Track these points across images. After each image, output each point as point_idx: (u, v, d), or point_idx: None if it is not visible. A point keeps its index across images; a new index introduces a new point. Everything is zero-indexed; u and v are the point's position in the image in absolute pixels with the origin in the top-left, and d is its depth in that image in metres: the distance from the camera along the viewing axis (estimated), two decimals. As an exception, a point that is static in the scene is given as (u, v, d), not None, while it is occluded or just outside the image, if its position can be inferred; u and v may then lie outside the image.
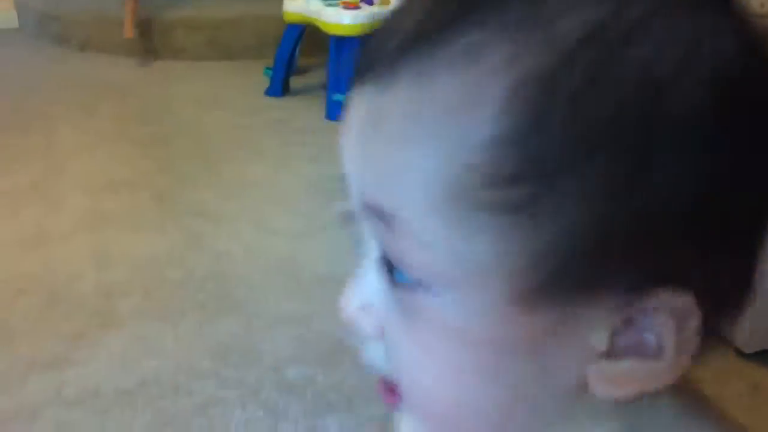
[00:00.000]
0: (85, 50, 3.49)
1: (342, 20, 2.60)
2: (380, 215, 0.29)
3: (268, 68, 3.01)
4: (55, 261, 1.76)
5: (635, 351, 0.28)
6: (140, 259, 1.77)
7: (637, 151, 0.25)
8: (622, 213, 0.26)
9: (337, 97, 2.69)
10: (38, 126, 2.59)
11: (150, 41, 3.42)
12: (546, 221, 0.26)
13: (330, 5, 2.66)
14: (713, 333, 0.29)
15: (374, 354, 0.33)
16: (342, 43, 2.64)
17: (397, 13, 0.31)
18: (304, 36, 2.92)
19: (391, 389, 0.32)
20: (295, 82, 3.03)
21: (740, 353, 1.39)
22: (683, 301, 0.27)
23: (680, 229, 0.27)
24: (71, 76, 3.16)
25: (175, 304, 1.59)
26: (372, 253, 0.31)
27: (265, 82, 3.02)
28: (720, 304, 0.29)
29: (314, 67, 3.30)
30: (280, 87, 2.96)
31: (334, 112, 2.69)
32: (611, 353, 0.28)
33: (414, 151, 0.27)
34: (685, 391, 0.32)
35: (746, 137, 0.27)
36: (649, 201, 0.26)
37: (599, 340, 0.28)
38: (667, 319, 0.28)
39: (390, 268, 0.30)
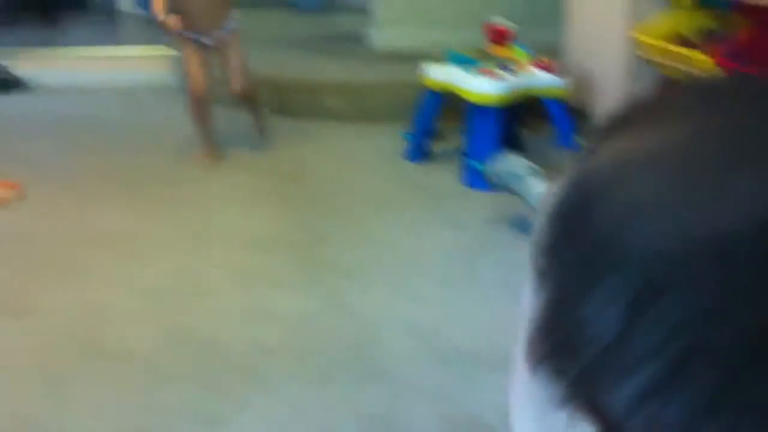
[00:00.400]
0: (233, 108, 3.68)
1: (481, 89, 2.66)
2: None
3: (407, 132, 3.10)
4: (206, 313, 1.86)
5: None
6: (286, 319, 1.84)
7: None
8: None
9: (475, 164, 2.72)
10: (192, 178, 2.74)
11: (287, 101, 3.58)
12: None
13: (469, 73, 2.72)
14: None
15: None
16: (480, 111, 2.69)
17: None
18: (443, 101, 2.98)
19: None
20: (433, 146, 3.09)
21: None
22: None
23: None
24: (222, 133, 3.33)
25: (321, 368, 1.64)
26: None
27: (404, 146, 3.10)
28: None
29: (452, 132, 3.35)
30: (418, 151, 3.03)
31: (472, 178, 2.73)
32: None
33: None
34: None
35: None
36: None
37: None
38: None
39: None
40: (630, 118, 0.28)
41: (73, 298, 1.91)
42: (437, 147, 3.13)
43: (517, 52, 2.86)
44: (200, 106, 2.86)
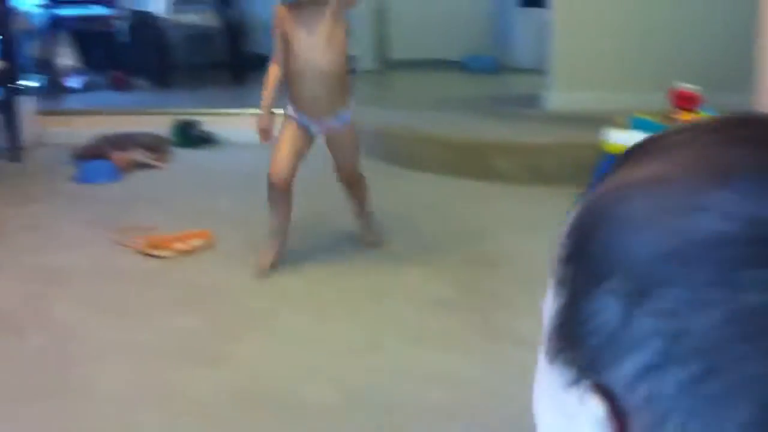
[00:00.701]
0: (410, 167, 3.76)
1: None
2: None
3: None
4: (380, 373, 1.87)
5: None
6: (464, 384, 1.83)
7: None
8: None
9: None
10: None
11: (458, 162, 3.60)
12: None
13: (658, 140, 2.64)
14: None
15: None
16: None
17: None
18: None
19: None
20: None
21: None
22: None
23: None
24: (398, 192, 3.40)
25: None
26: None
27: (580, 210, 3.03)
28: None
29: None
30: (595, 216, 2.95)
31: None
32: None
33: None
34: None
35: None
36: None
37: None
38: None
39: None
40: (639, 151, 0.34)
41: (259, 350, 1.98)
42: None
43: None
44: (275, 194, 2.45)
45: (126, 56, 5.27)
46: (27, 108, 4.17)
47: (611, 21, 4.22)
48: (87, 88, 5.18)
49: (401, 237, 2.82)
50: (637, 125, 2.76)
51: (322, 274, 2.47)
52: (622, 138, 2.79)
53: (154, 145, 3.95)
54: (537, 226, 2.95)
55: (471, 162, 3.61)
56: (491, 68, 6.36)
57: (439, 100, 4.76)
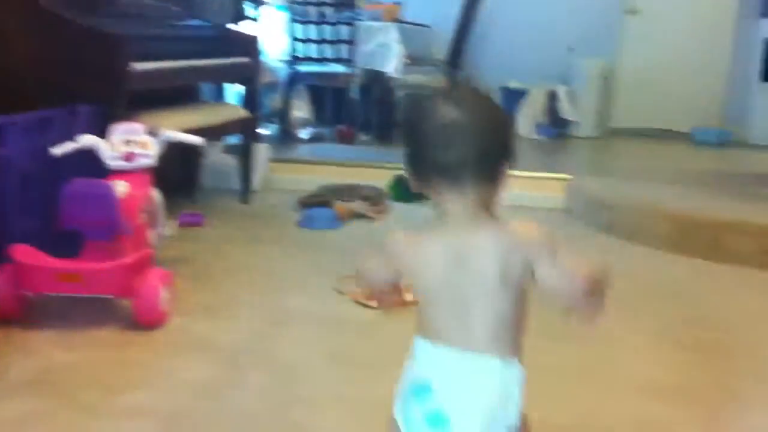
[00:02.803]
0: (630, 241, 3.60)
1: None
2: None
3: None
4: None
5: None
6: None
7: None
8: None
9: None
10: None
11: (688, 239, 3.39)
12: None
13: None
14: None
15: None
16: None
17: None
18: None
19: None
20: None
21: None
22: None
23: None
24: (618, 265, 3.25)
25: None
26: None
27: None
28: None
29: None
30: None
31: None
32: None
33: None
34: None
35: None
36: None
37: None
38: None
39: None
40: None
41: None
42: None
43: None
44: None
45: (354, 112, 5.50)
46: (260, 154, 4.44)
47: None
48: (315, 139, 5.45)
49: (620, 315, 2.68)
50: None
51: (539, 338, 2.39)
52: None
53: (373, 197, 4.07)
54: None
55: (699, 240, 3.39)
56: (719, 141, 6.03)
57: (665, 172, 4.55)
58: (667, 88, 6.36)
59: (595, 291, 1.20)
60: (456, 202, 1.17)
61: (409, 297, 2.46)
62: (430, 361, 1.19)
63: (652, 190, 3.97)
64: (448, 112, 1.15)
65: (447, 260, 1.18)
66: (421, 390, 1.17)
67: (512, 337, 1.19)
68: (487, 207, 1.18)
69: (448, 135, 1.14)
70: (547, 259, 1.17)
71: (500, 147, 1.17)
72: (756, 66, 6.14)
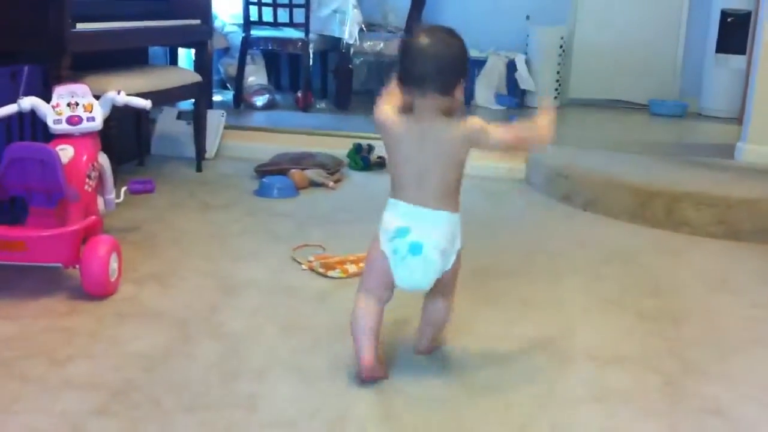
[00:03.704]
0: (587, 210, 3.59)
1: None
2: None
3: (786, 258, 2.77)
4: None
5: None
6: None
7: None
8: None
9: None
10: (545, 280, 2.67)
11: (644, 209, 3.40)
12: None
13: None
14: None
15: None
16: None
17: None
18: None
19: None
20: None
21: None
22: None
23: None
24: (574, 234, 3.25)
25: None
26: None
27: (777, 272, 2.78)
28: None
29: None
30: (797, 281, 2.69)
31: None
32: None
33: None
34: None
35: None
36: None
37: None
38: None
39: None
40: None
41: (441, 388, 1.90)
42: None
43: None
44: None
45: (311, 79, 5.40)
46: (214, 121, 4.34)
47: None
48: (271, 106, 5.35)
49: (579, 281, 2.67)
50: None
51: (498, 308, 2.37)
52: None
53: (330, 166, 4.00)
54: (727, 284, 2.73)
55: (655, 209, 3.40)
56: (678, 112, 6.07)
57: (623, 143, 4.56)
58: (624, 59, 6.36)
59: (528, 137, 1.92)
60: (422, 103, 1.79)
61: (352, 268, 2.44)
62: (405, 213, 1.83)
63: (609, 161, 3.96)
64: (420, 43, 1.78)
65: (412, 142, 1.81)
66: (404, 231, 1.82)
67: (453, 198, 1.85)
68: (445, 109, 1.80)
69: (417, 57, 1.78)
70: (484, 137, 1.81)
71: (453, 68, 1.79)
72: (712, 37, 6.17)
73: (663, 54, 6.38)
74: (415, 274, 1.85)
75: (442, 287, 1.92)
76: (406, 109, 1.82)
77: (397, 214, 1.84)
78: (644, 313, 2.41)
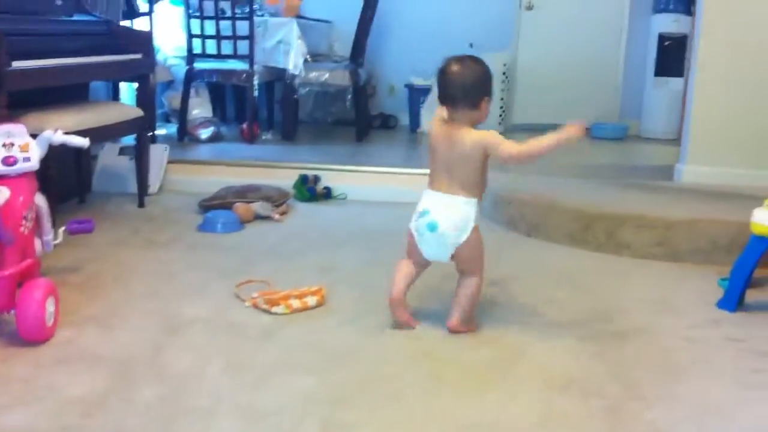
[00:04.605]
0: (531, 236, 3.63)
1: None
2: None
3: (723, 279, 2.82)
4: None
5: None
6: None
7: None
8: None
9: (809, 323, 2.40)
10: (491, 305, 2.68)
11: (586, 232, 3.46)
12: None
13: (813, 223, 2.42)
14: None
15: None
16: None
17: None
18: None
19: None
20: (749, 295, 2.79)
21: None
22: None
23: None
24: (520, 260, 3.28)
25: None
26: None
27: (716, 292, 2.83)
28: None
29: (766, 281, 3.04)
30: (735, 301, 2.74)
31: (803, 338, 2.41)
32: None
33: None
34: None
35: None
36: None
37: None
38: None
39: None
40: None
41: (377, 417, 1.88)
42: (753, 296, 2.83)
43: None
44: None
45: (256, 110, 5.39)
46: (158, 155, 4.30)
47: (755, 93, 4.01)
48: (216, 138, 5.32)
49: (523, 309, 2.69)
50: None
51: (439, 341, 2.37)
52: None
53: (276, 198, 3.99)
54: (668, 305, 2.77)
55: (597, 233, 3.45)
56: (620, 136, 6.19)
57: (565, 167, 4.63)
58: (566, 83, 6.48)
59: (533, 151, 2.33)
60: (454, 115, 2.32)
61: (296, 304, 2.43)
62: (429, 199, 2.37)
63: (552, 186, 4.02)
64: (450, 69, 2.29)
65: (445, 145, 2.34)
66: (425, 212, 2.35)
67: (473, 189, 2.35)
68: (472, 120, 2.33)
69: (448, 81, 2.29)
70: (494, 147, 2.30)
71: (476, 88, 2.29)
72: (651, 60, 6.32)
73: (604, 78, 6.52)
74: (432, 248, 2.36)
75: (466, 263, 2.40)
76: (447, 120, 2.34)
77: (424, 200, 2.37)
78: (589, 336, 2.44)
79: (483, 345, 2.33)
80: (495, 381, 2.10)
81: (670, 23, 6.16)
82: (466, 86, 2.27)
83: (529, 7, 6.55)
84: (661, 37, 6.23)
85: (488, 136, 2.31)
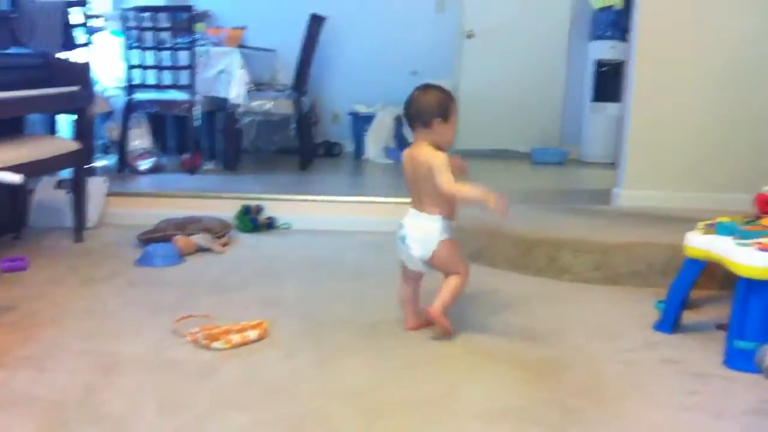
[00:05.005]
0: (475, 262, 3.66)
1: (756, 263, 2.41)
2: None
3: (660, 301, 2.88)
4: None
5: None
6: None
7: None
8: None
9: (741, 344, 2.45)
10: (426, 337, 2.69)
11: (525, 257, 3.50)
12: None
13: (742, 245, 2.49)
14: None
15: None
16: (752, 286, 2.44)
17: None
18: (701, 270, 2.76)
19: None
20: (685, 316, 2.85)
21: None
22: None
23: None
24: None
25: None
26: None
27: (653, 314, 2.88)
28: None
29: (706, 303, 3.10)
30: (670, 323, 2.79)
31: (736, 360, 2.46)
32: None
33: None
34: None
35: None
36: None
37: None
38: None
39: None
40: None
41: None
42: (690, 317, 2.89)
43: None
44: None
45: (198, 140, 5.35)
46: (96, 188, 4.23)
47: (689, 118, 4.12)
48: (156, 170, 5.26)
49: (466, 336, 2.70)
50: (722, 230, 2.61)
51: (384, 368, 2.36)
52: (704, 242, 2.64)
53: (217, 230, 3.95)
54: (606, 329, 2.81)
55: (538, 258, 3.49)
56: (560, 160, 6.29)
57: (508, 192, 4.66)
58: (508, 109, 6.58)
59: (458, 195, 2.52)
60: (414, 135, 2.58)
61: (237, 338, 2.41)
62: (406, 216, 2.62)
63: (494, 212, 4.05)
64: (414, 93, 2.55)
65: (409, 164, 2.59)
66: (400, 227, 2.62)
67: (437, 205, 2.56)
68: (430, 140, 2.54)
69: (408, 102, 2.56)
70: (437, 173, 2.48)
71: (430, 111, 2.52)
72: (588, 86, 6.46)
73: (545, 103, 6.64)
74: (406, 258, 2.64)
75: (443, 267, 2.63)
76: (413, 141, 2.60)
77: (405, 217, 2.63)
78: (528, 364, 2.46)
79: (419, 379, 2.33)
80: (431, 416, 2.09)
81: (607, 50, 6.31)
82: (420, 107, 2.52)
83: (470, 36, 6.65)
84: (599, 64, 6.38)
85: (435, 159, 2.49)
